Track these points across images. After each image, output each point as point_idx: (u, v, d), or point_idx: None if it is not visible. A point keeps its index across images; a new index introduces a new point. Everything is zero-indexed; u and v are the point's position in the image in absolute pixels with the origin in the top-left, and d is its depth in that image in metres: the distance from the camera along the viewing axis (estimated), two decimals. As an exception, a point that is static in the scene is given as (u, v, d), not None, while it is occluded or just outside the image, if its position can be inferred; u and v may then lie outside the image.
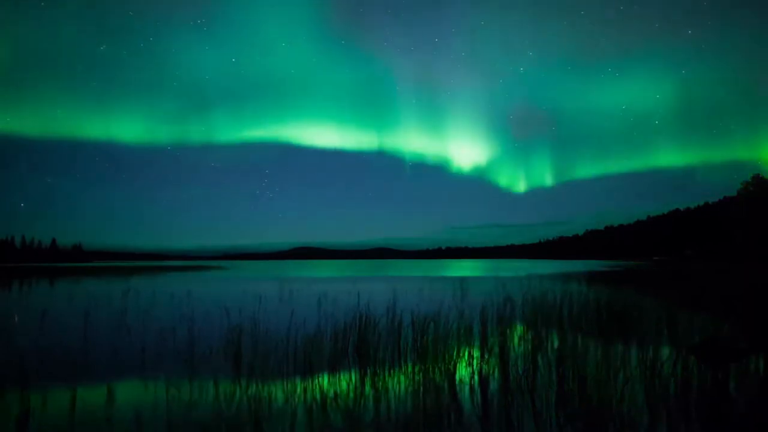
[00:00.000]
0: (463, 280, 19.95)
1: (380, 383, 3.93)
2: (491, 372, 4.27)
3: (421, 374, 3.66)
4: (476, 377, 4.19)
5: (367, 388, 3.79)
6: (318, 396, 3.51)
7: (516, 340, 5.73)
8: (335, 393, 3.69)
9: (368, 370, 4.39)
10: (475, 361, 4.59)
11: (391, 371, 4.39)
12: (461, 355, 4.67)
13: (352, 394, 3.42)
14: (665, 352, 5.02)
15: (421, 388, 3.47)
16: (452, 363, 4.12)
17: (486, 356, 4.55)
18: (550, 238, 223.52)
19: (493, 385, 3.96)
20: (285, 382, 4.06)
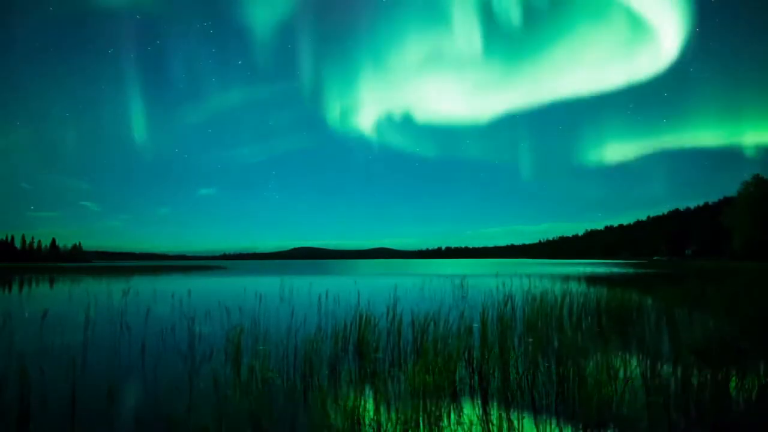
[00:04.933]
0: (463, 279, 19.94)
1: (380, 383, 3.93)
2: (491, 372, 4.27)
3: (421, 374, 3.65)
4: (476, 377, 4.19)
5: (367, 388, 3.79)
6: (318, 396, 3.51)
7: (516, 340, 5.73)
8: (335, 393, 3.69)
9: (368, 370, 4.39)
10: (475, 361, 4.59)
11: (391, 371, 4.40)
12: (461, 355, 4.67)
13: (352, 394, 3.42)
14: (665, 352, 5.02)
15: (421, 388, 3.47)
16: (452, 363, 4.12)
17: (486, 356, 4.54)
18: (550, 238, 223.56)
19: (493, 385, 3.96)
20: (285, 382, 4.06)
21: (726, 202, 73.16)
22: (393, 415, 3.15)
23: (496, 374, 4.24)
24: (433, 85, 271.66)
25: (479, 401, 3.53)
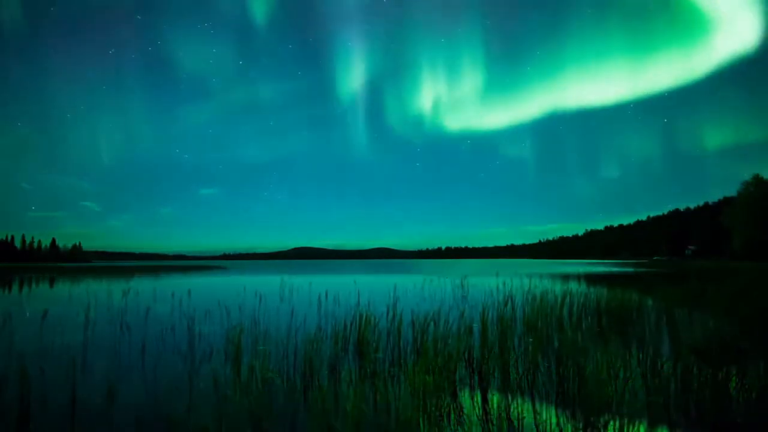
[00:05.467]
0: (463, 279, 19.94)
1: (380, 383, 3.93)
2: (491, 372, 4.27)
3: (421, 374, 3.65)
4: (476, 377, 4.19)
5: (367, 388, 3.79)
6: (318, 396, 3.51)
7: (516, 340, 5.73)
8: (335, 393, 3.69)
9: (368, 370, 4.39)
10: (475, 361, 4.59)
11: (391, 371, 4.39)
12: (461, 355, 4.67)
13: (352, 394, 3.42)
14: (665, 352, 5.02)
15: (421, 388, 3.47)
16: (452, 363, 4.11)
17: (486, 356, 4.54)
18: (550, 238, 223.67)
19: (494, 385, 3.96)
20: (285, 382, 4.06)
21: (726, 202, 73.10)
22: (393, 415, 3.15)
23: (496, 374, 4.24)
24: (438, 90, 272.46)
25: (479, 401, 3.53)
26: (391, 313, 6.92)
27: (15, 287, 18.36)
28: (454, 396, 3.63)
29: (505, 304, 8.19)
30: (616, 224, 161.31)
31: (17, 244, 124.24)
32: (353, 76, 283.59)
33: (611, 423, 2.99)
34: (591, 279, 21.39)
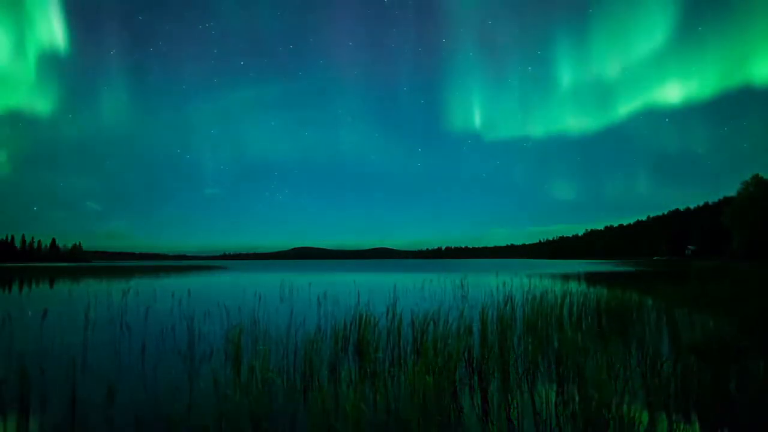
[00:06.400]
0: (463, 279, 19.94)
1: (380, 383, 3.93)
2: (491, 372, 4.27)
3: (421, 374, 3.65)
4: (476, 377, 4.19)
5: (367, 388, 3.79)
6: (318, 396, 3.51)
7: (516, 340, 5.73)
8: (335, 393, 3.69)
9: (368, 370, 4.39)
10: (475, 361, 4.59)
11: (391, 371, 4.40)
12: (461, 355, 4.67)
13: (352, 394, 3.42)
14: (665, 352, 5.02)
15: (421, 388, 3.47)
16: (452, 363, 4.12)
17: (486, 356, 4.54)
18: (550, 238, 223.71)
19: (493, 385, 3.96)
20: (285, 382, 4.06)
21: (726, 202, 73.06)
22: (393, 415, 3.15)
23: (496, 374, 4.24)
24: (438, 90, 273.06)
25: (479, 401, 3.53)
26: (391, 313, 6.92)
27: (15, 287, 18.36)
28: (454, 396, 3.63)
29: (505, 304, 8.19)
30: (616, 224, 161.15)
31: (17, 244, 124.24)
32: (353, 76, 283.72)
33: (611, 423, 2.99)
34: (591, 279, 21.39)
